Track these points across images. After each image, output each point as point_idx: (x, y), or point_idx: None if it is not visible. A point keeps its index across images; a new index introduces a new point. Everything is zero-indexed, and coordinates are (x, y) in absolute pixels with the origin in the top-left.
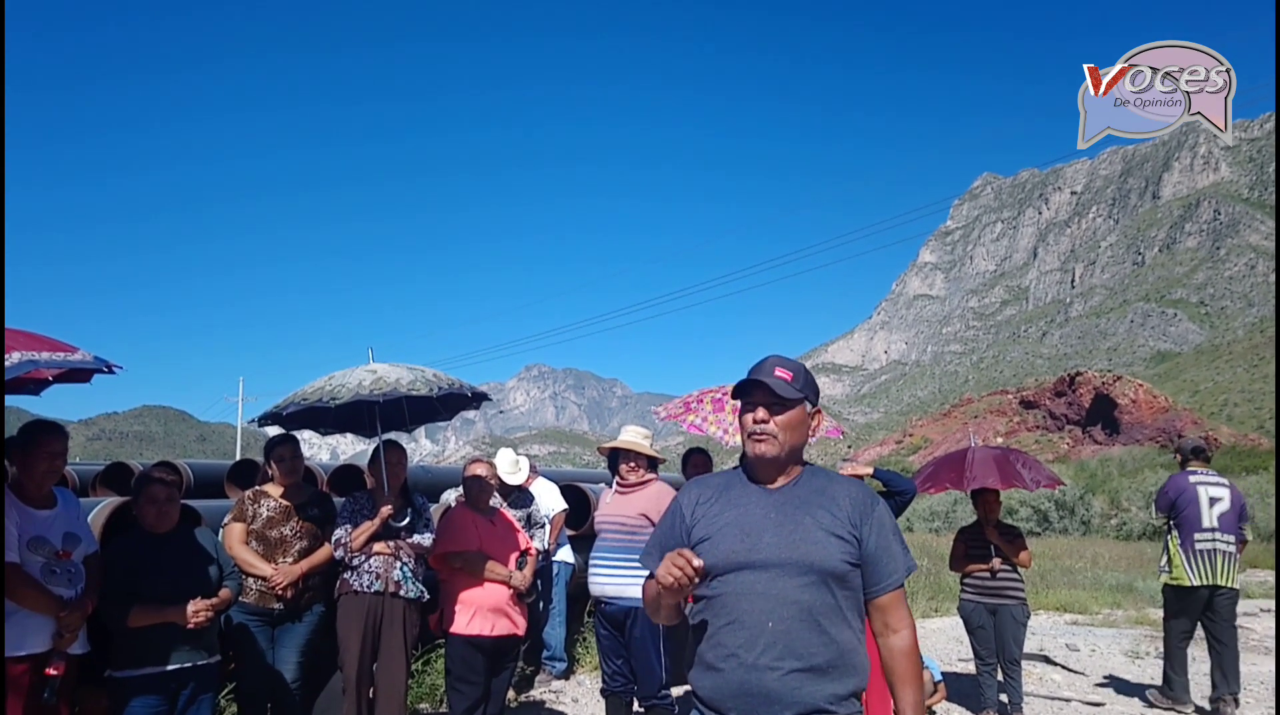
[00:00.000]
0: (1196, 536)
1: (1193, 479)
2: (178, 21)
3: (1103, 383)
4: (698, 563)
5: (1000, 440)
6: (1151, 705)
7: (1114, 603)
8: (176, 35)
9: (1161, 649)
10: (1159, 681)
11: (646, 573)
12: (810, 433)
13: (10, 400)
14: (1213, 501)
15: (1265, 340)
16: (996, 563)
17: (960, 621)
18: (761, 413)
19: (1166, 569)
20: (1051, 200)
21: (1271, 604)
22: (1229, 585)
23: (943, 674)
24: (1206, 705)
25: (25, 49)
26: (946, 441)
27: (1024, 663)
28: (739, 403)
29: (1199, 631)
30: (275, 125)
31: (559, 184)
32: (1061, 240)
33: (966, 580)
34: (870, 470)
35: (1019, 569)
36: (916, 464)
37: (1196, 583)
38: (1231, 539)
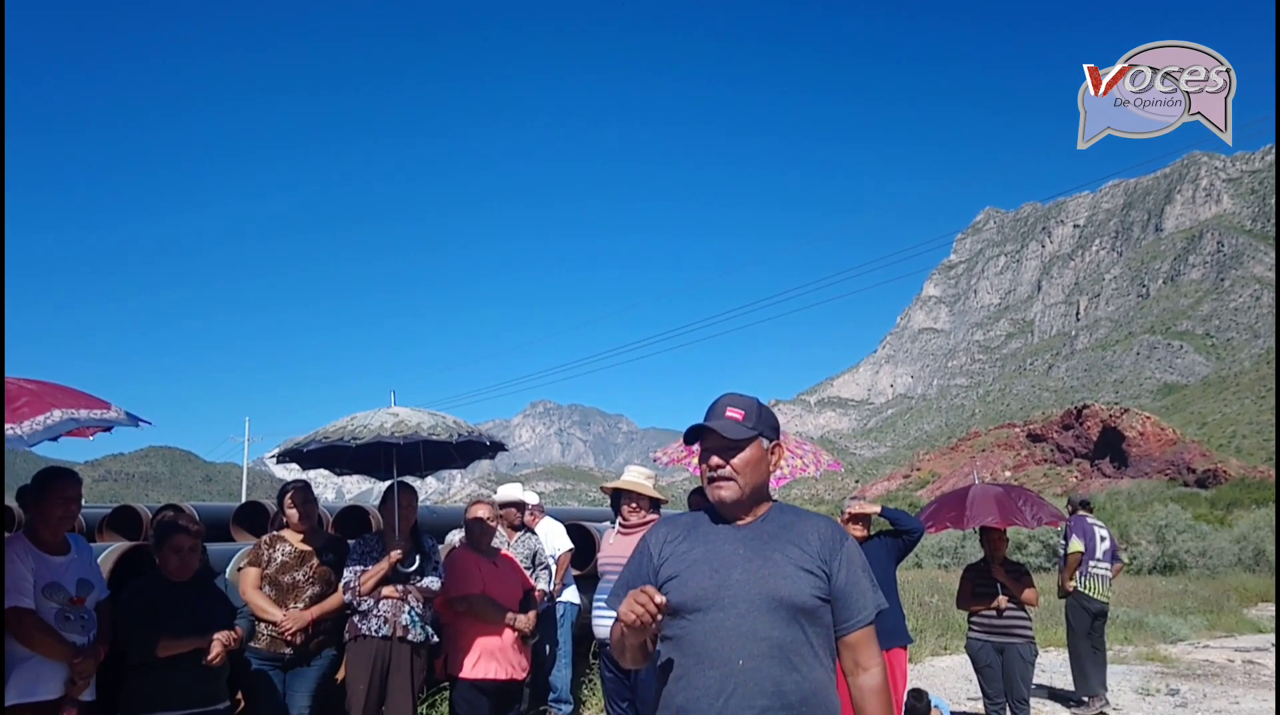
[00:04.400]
0: (1091, 564)
1: (1089, 521)
2: (176, 58)
3: (1110, 415)
4: (660, 599)
5: (1008, 474)
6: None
7: (1124, 639)
8: (178, 78)
9: (1171, 685)
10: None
11: None
12: (772, 467)
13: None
14: (1101, 540)
15: (1272, 371)
16: (1003, 601)
17: (968, 660)
18: (716, 459)
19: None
20: (1054, 233)
21: None
22: (1106, 600)
23: (951, 713)
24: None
25: (27, 87)
26: (954, 476)
27: (1032, 701)
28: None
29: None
30: (278, 163)
31: (563, 219)
32: (1065, 273)
33: (974, 618)
34: (878, 509)
35: (1026, 607)
36: (924, 499)
37: (1090, 593)
38: (1109, 566)
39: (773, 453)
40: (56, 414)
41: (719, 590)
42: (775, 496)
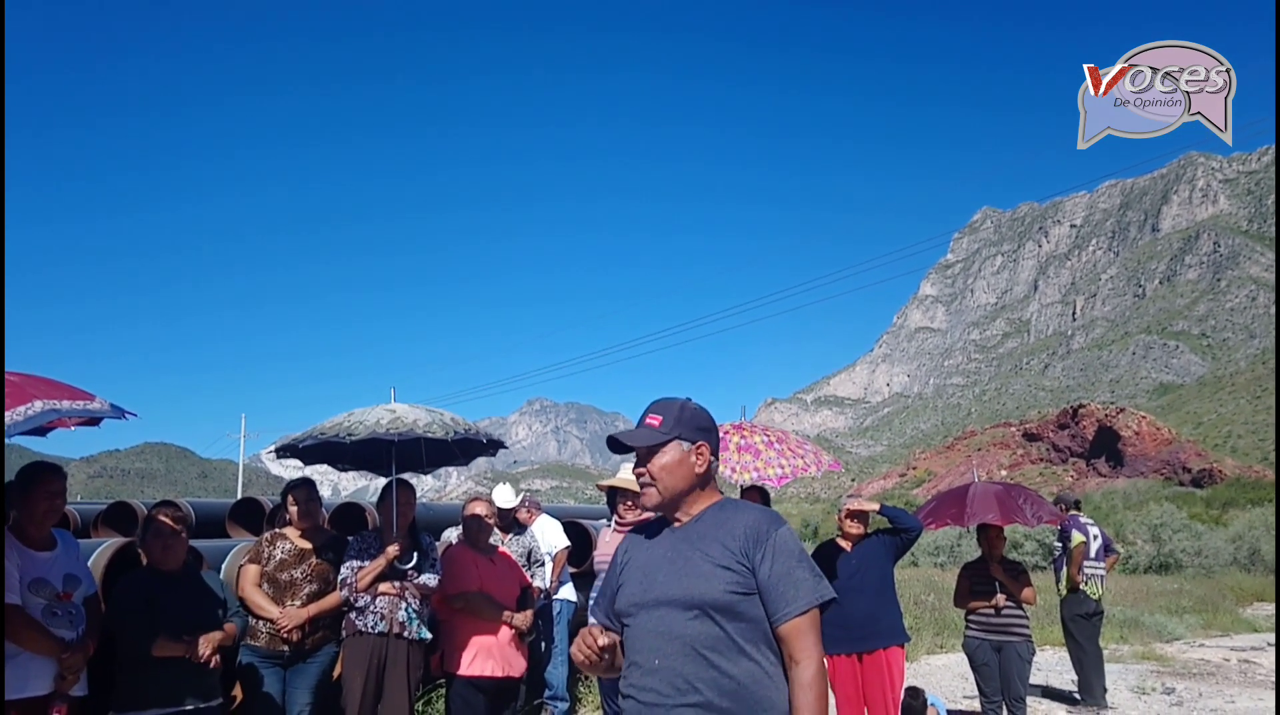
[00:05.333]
0: (1086, 564)
1: (1083, 520)
2: (178, 55)
3: (1106, 415)
4: (602, 641)
5: (1004, 473)
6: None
7: (1120, 638)
8: (172, 70)
9: (1167, 684)
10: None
11: None
12: (696, 468)
13: (13, 439)
14: (1094, 538)
15: (1268, 372)
16: (1001, 600)
17: (965, 658)
18: (637, 467)
19: (1064, 591)
20: (1051, 233)
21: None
22: (1099, 598)
23: (948, 711)
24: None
25: (27, 83)
26: (950, 474)
27: (1029, 699)
28: (753, 442)
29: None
30: (276, 159)
31: (560, 217)
32: (1062, 273)
33: (971, 617)
34: (877, 506)
35: (1024, 606)
36: (920, 497)
37: (1090, 594)
38: (1102, 565)
39: (696, 453)
40: (38, 405)
41: (645, 594)
42: (770, 494)
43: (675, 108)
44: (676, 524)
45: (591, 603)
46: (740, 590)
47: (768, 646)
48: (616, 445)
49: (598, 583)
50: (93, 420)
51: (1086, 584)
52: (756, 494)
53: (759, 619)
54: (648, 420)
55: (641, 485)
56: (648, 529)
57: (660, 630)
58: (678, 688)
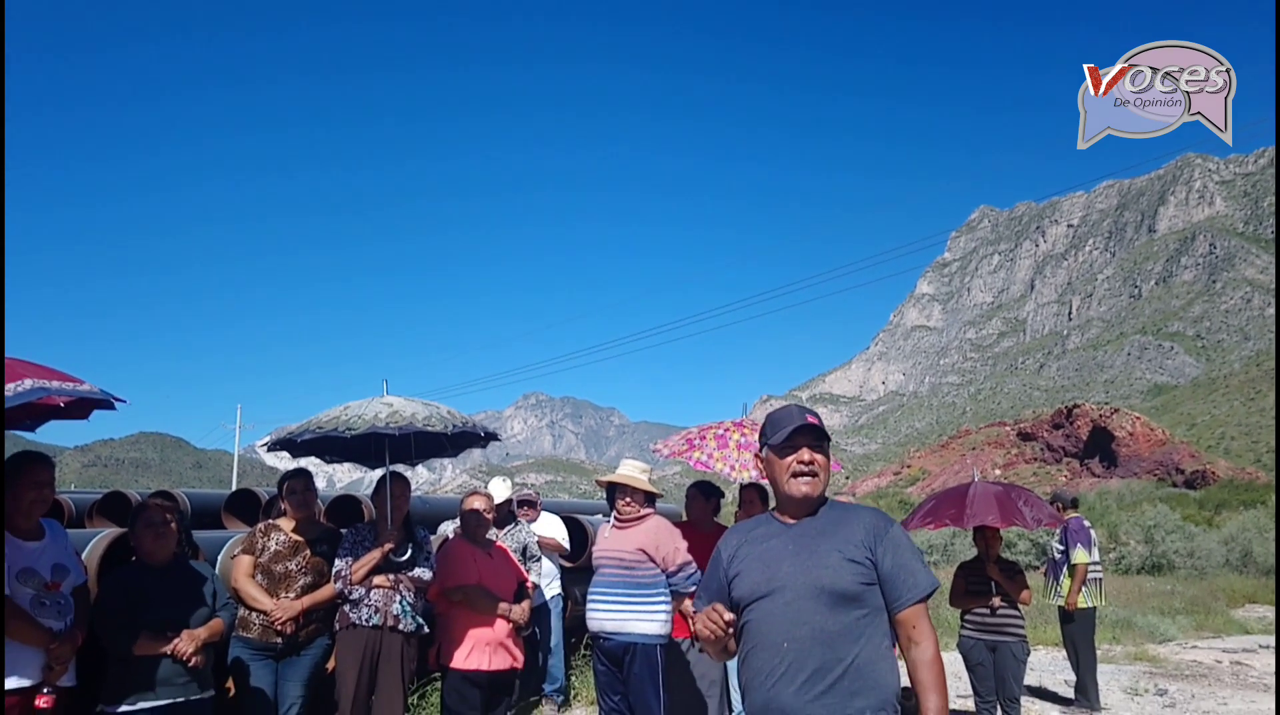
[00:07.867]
0: (1090, 567)
1: (1086, 522)
2: (176, 43)
3: (1100, 415)
4: (728, 617)
5: (998, 472)
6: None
7: (1112, 638)
8: (173, 58)
9: (1159, 685)
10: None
11: (646, 608)
12: (830, 473)
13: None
14: (1094, 543)
15: (1262, 373)
16: (997, 601)
17: (959, 658)
18: (807, 453)
19: (1063, 595)
20: (1048, 233)
21: (1269, 640)
22: (1101, 604)
23: None
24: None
25: (24, 68)
26: (944, 473)
27: (1023, 700)
28: (754, 441)
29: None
30: (273, 148)
31: (556, 211)
32: (1058, 273)
33: (967, 617)
34: None
35: (1019, 606)
36: (915, 495)
37: (1092, 604)
38: (1099, 567)
39: (834, 461)
40: (27, 383)
41: (769, 582)
42: (769, 492)
43: (675, 103)
44: (791, 521)
45: (696, 591)
46: (865, 581)
47: (882, 632)
48: (804, 430)
49: (597, 577)
50: (82, 410)
51: (1089, 589)
52: (755, 492)
53: (878, 607)
54: (809, 419)
55: (807, 473)
56: (752, 526)
57: (788, 616)
58: (804, 667)
